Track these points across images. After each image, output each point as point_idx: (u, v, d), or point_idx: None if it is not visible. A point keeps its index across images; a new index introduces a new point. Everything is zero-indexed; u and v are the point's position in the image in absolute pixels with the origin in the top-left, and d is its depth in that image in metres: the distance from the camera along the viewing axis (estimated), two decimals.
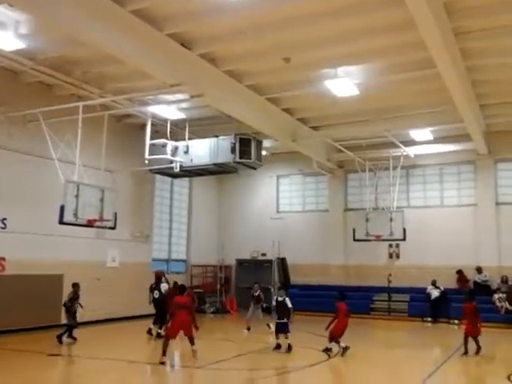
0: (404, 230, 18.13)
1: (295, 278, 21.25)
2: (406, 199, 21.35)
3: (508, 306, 17.82)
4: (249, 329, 15.47)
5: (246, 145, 15.22)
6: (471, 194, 20.66)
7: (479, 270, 19.53)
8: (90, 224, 12.81)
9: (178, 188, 22.67)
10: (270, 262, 22.56)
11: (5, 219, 14.33)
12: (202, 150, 15.74)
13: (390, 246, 20.96)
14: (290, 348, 12.10)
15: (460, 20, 10.65)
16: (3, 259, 14.22)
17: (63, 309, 13.44)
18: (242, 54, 12.44)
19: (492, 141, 19.41)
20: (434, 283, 19.57)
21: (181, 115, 16.21)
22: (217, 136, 15.66)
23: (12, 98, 14.24)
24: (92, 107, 14.31)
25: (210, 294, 22.44)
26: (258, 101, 15.04)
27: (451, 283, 19.79)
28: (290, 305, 12.23)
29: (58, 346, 12.57)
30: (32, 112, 13.80)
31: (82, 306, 13.32)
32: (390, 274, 20.35)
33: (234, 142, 15.16)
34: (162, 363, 10.59)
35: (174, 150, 15.86)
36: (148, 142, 15.01)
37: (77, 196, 12.38)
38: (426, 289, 19.60)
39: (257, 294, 15.78)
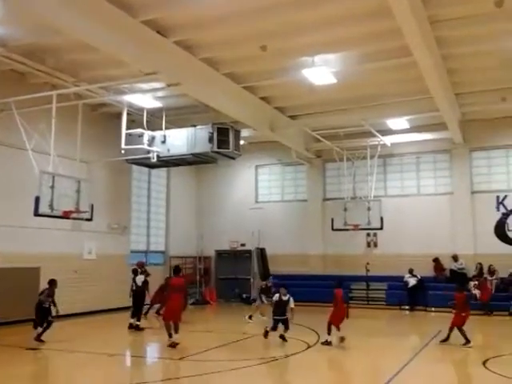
0: (381, 219, 18.32)
1: (274, 268, 21.26)
2: (384, 188, 21.52)
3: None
4: (251, 317, 15.80)
5: (223, 134, 15.09)
6: (447, 183, 20.92)
7: (455, 257, 19.81)
8: (66, 216, 12.62)
9: (156, 178, 22.47)
10: (250, 252, 22.62)
11: None
12: (179, 140, 15.56)
13: (368, 235, 21.18)
14: (284, 338, 12.05)
15: (435, 8, 10.73)
16: None
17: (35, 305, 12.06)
18: (219, 41, 12.32)
19: (467, 130, 19.67)
20: (411, 271, 19.80)
21: (157, 104, 16.01)
22: (194, 125, 15.51)
23: None
24: (66, 96, 14.09)
25: (190, 286, 22.38)
26: (236, 89, 14.93)
27: (428, 271, 20.06)
28: (292, 305, 12.08)
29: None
30: (4, 101, 13.47)
31: (55, 305, 12.08)
32: (367, 263, 20.59)
33: (211, 131, 15.05)
34: (172, 345, 11.24)
35: (151, 140, 15.65)
36: (124, 131, 14.81)
37: (52, 187, 12.18)
38: (403, 277, 19.81)
39: (270, 284, 16.20)
